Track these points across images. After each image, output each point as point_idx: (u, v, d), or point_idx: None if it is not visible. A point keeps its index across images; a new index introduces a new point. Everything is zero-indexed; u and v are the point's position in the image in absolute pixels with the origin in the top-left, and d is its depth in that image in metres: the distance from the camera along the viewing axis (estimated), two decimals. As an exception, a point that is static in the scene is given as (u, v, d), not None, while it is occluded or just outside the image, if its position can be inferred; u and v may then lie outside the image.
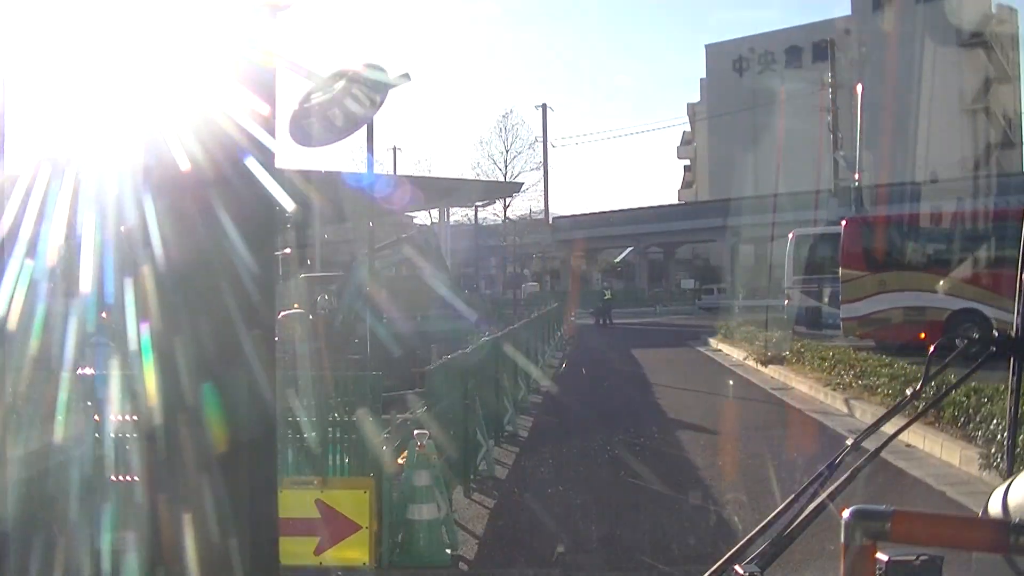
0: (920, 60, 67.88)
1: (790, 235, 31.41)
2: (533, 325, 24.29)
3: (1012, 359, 2.17)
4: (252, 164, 1.22)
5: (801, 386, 18.56)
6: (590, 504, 9.65)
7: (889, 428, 2.19)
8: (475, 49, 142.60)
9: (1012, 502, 1.73)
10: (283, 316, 15.61)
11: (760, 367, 22.55)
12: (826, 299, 28.28)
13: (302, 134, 1.57)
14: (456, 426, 10.23)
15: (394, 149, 69.17)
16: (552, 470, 11.37)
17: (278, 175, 1.28)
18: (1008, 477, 1.89)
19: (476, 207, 59.94)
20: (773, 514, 1.82)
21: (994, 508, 1.76)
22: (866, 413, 14.60)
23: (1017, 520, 1.46)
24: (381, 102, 1.68)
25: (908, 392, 2.09)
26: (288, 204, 1.41)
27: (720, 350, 28.92)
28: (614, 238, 77.45)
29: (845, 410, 15.46)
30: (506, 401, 13.96)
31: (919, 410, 2.48)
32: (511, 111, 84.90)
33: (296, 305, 18.40)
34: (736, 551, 1.73)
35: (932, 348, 2.17)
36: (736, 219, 69.39)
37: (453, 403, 10.32)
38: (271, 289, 1.29)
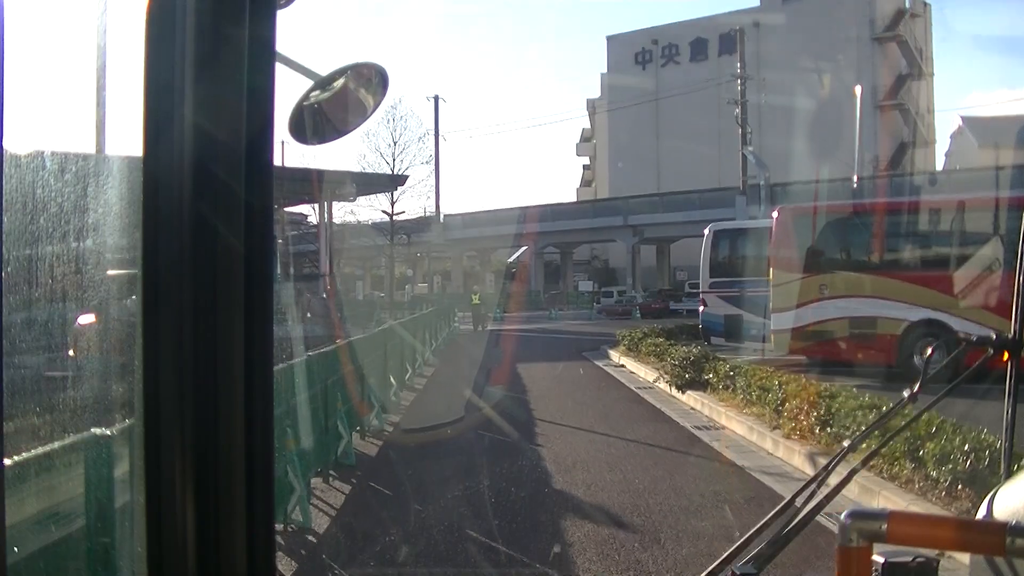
0: (831, 55, 64.67)
1: (706, 231, 26.15)
2: (390, 335, 19.08)
3: (1009, 361, 2.15)
4: (251, 162, 1.19)
5: (735, 425, 13.67)
6: None
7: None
8: (364, 35, 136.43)
9: (1009, 504, 1.75)
10: (80, 325, 10.50)
11: (675, 393, 17.64)
12: (750, 306, 23.55)
13: (301, 132, 1.67)
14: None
15: (282, 142, 63.49)
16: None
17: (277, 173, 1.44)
18: (1005, 479, 2.00)
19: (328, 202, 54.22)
20: (770, 515, 1.77)
21: (991, 510, 1.77)
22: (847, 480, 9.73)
23: (1014, 522, 1.29)
24: (380, 101, 1.82)
25: (905, 394, 2.05)
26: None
27: (623, 366, 23.95)
28: (508, 237, 72.36)
29: (810, 472, 10.58)
30: (293, 476, 8.56)
31: (915, 414, 2.43)
32: (400, 101, 79.08)
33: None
34: (732, 552, 1.68)
35: (931, 350, 2.21)
36: (637, 218, 65.14)
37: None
38: (269, 289, 1.23)
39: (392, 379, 17.20)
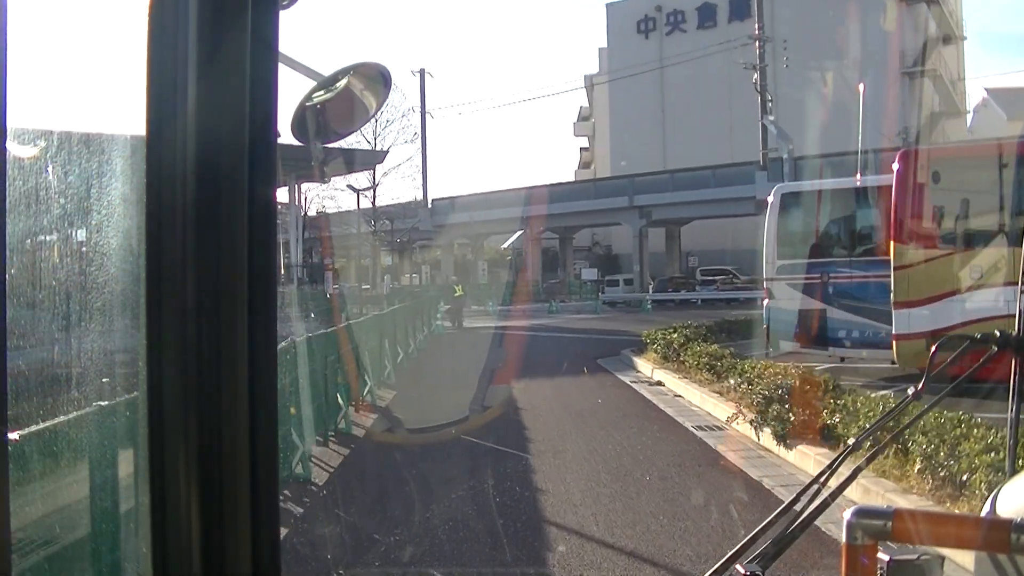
0: (856, 16, 57.83)
1: (771, 196, 18.70)
2: (315, 349, 12.23)
3: (1013, 359, 2.09)
4: (254, 162, 1.17)
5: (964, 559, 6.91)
6: None
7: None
8: (347, 7, 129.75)
9: (1013, 501, 1.72)
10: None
11: (771, 444, 10.86)
12: (839, 299, 16.71)
13: (304, 133, 1.66)
14: None
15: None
16: None
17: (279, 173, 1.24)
18: (1009, 476, 1.97)
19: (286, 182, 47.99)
20: (775, 513, 1.71)
21: (996, 507, 1.74)
22: None
23: (1018, 519, 1.29)
24: (382, 102, 1.81)
25: (910, 391, 2.01)
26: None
27: (662, 385, 17.01)
28: (501, 222, 65.53)
29: None
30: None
31: (919, 412, 2.35)
32: (382, 73, 73.40)
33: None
34: (738, 550, 1.60)
35: (934, 347, 2.09)
36: (644, 197, 58.17)
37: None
38: (272, 289, 1.20)
39: (300, 439, 10.16)
